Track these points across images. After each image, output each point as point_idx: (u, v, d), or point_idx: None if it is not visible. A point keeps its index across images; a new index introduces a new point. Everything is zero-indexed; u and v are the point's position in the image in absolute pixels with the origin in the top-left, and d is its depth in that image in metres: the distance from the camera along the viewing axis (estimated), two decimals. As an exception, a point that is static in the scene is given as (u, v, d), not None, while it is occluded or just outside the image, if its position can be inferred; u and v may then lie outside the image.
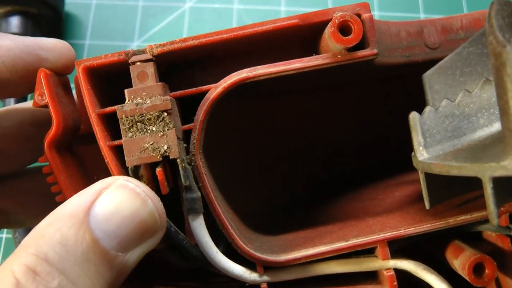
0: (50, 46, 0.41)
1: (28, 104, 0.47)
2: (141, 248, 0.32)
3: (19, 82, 0.39)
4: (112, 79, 0.41)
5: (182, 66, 0.42)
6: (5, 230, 0.64)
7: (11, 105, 0.59)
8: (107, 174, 0.36)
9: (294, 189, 0.57)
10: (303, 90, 0.53)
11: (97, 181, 0.34)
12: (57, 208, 0.31)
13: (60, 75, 0.40)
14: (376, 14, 0.70)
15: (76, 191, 0.34)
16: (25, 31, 0.62)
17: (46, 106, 0.38)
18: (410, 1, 0.70)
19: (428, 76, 0.42)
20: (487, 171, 0.31)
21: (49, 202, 0.34)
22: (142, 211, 0.32)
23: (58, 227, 0.30)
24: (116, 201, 0.32)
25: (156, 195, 0.34)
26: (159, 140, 0.36)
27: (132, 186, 0.33)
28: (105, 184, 0.33)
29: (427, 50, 0.45)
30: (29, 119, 0.45)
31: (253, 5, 0.67)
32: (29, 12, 0.61)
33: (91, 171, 0.41)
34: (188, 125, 0.38)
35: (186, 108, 0.40)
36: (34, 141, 0.44)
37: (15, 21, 0.62)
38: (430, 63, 0.43)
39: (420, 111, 0.39)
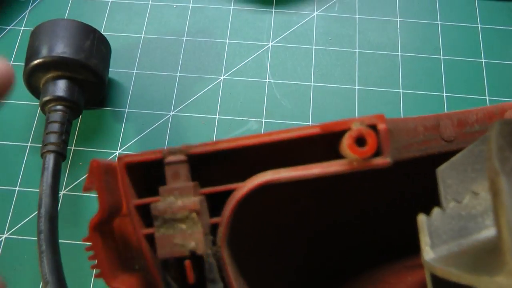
0: None
1: None
2: None
3: None
4: (149, 168, 0.45)
5: (213, 160, 0.46)
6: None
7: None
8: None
9: (312, 270, 0.59)
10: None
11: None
12: None
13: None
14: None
15: (110, 267, 0.38)
16: (72, 94, 0.67)
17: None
18: (433, 81, 0.73)
19: (442, 171, 0.45)
20: (482, 284, 0.34)
21: None
22: None
23: None
24: None
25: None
26: (187, 237, 0.39)
27: None
28: None
29: (443, 143, 0.47)
30: None
31: (285, 80, 0.71)
32: (76, 78, 0.66)
33: (122, 247, 0.45)
34: (215, 219, 0.42)
35: (216, 198, 0.44)
36: None
37: (62, 85, 0.67)
38: (445, 155, 0.45)
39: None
